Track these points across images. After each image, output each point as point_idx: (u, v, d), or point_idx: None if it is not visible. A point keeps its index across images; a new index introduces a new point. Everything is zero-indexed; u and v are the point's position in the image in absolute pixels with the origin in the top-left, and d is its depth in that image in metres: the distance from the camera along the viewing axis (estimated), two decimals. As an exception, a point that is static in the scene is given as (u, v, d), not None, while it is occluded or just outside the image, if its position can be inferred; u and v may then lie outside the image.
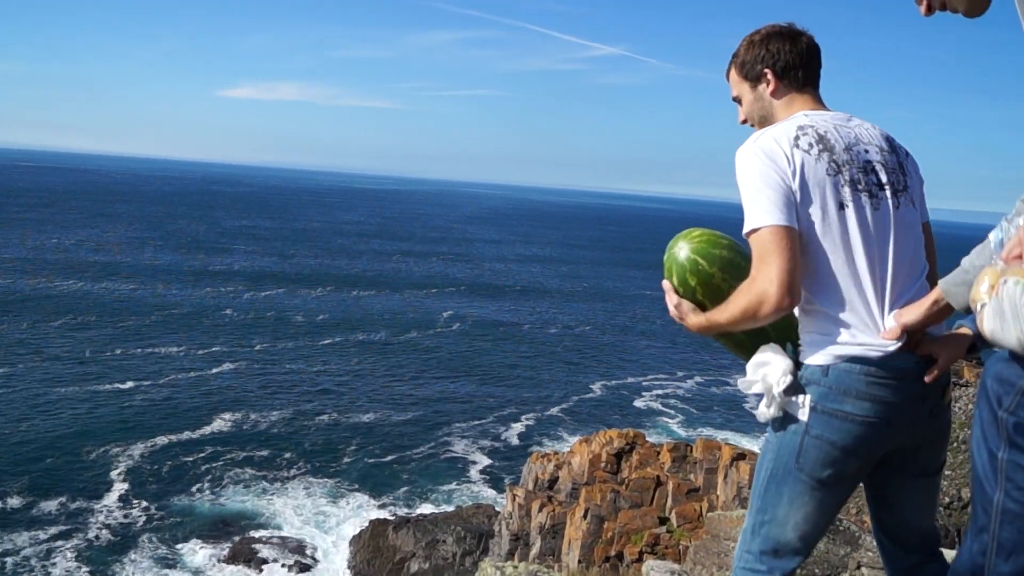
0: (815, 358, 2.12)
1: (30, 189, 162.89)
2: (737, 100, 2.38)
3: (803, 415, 2.11)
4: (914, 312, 2.03)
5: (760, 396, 2.18)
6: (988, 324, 1.58)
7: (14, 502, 24.34)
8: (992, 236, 1.72)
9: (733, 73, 2.36)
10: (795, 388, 2.13)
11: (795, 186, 2.06)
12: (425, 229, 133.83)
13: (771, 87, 2.27)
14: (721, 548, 6.15)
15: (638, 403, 40.00)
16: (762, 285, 2.02)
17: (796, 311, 2.17)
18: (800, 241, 2.06)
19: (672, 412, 38.84)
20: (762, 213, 2.04)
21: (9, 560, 21.34)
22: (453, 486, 28.56)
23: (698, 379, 45.13)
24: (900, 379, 2.05)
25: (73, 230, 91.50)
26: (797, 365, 2.17)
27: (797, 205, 2.06)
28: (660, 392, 42.03)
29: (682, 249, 2.27)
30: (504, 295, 68.49)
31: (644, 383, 43.59)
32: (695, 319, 2.24)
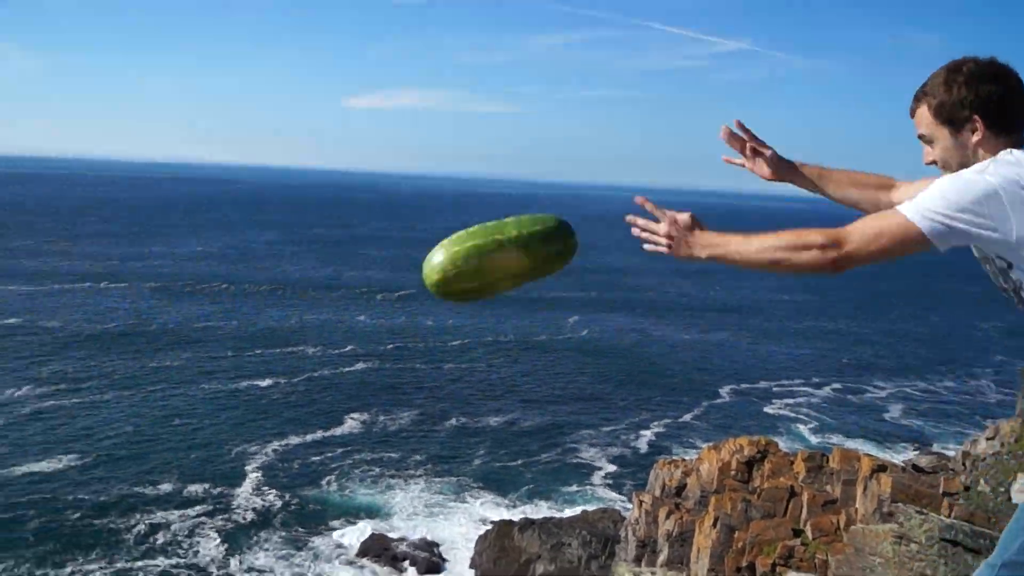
0: None
1: (179, 199, 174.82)
2: (924, 139, 2.15)
3: None
4: None
5: None
6: None
7: (165, 487, 26.58)
8: None
9: (926, 113, 2.12)
10: None
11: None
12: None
13: (978, 135, 2.03)
14: (866, 563, 5.81)
15: (768, 410, 38.73)
16: (839, 241, 1.91)
17: None
18: None
19: (805, 419, 37.40)
20: (930, 214, 1.89)
21: (161, 535, 23.73)
22: (578, 490, 28.49)
23: (835, 385, 43.29)
24: None
25: (224, 235, 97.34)
26: None
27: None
28: (792, 399, 40.55)
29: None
30: (631, 303, 67.91)
31: (775, 389, 42.17)
32: (706, 237, 2.08)
